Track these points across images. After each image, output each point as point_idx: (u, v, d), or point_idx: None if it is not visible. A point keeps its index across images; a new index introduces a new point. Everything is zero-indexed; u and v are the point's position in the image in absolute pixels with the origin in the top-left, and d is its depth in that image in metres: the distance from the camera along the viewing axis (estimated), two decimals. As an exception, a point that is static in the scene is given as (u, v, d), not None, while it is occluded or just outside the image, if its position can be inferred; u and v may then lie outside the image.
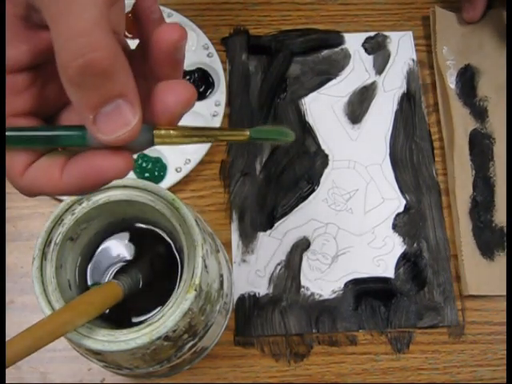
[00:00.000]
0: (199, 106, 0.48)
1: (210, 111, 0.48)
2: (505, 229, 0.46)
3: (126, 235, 0.36)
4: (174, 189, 0.46)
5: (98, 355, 0.31)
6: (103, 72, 0.19)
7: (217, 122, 0.47)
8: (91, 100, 0.19)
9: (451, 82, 0.50)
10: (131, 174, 0.46)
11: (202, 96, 0.49)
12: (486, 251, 0.45)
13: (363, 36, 0.53)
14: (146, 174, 0.46)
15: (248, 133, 0.23)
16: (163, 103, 0.22)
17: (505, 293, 0.44)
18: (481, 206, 0.46)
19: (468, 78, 0.51)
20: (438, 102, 0.51)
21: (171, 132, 0.23)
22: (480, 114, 0.49)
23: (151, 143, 0.22)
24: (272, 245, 0.46)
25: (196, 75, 0.49)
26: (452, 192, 0.47)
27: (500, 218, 0.46)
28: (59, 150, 0.22)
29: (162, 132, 0.22)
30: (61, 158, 0.21)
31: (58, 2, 0.18)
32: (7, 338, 0.24)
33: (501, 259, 0.45)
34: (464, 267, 0.44)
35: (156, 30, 0.22)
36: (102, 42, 0.19)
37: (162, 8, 0.51)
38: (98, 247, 0.36)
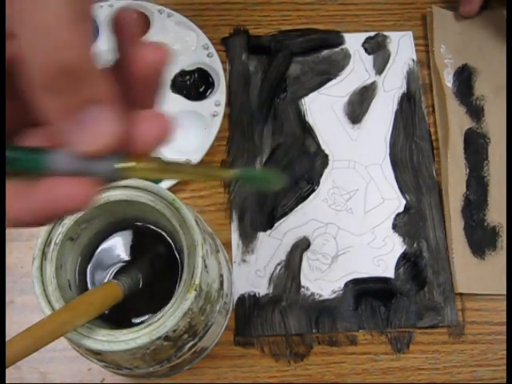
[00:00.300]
0: (199, 105, 0.48)
1: (210, 111, 0.48)
2: (497, 228, 0.46)
3: (126, 235, 0.36)
4: (173, 189, 0.46)
5: (97, 355, 0.31)
6: (79, 74, 0.17)
7: (217, 122, 0.47)
8: (64, 105, 0.17)
9: (448, 81, 0.50)
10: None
11: (202, 96, 0.49)
12: (477, 250, 0.45)
13: (363, 36, 0.53)
14: (146, 174, 0.46)
15: (235, 173, 0.21)
16: (134, 136, 0.20)
17: (496, 292, 0.44)
18: (473, 205, 0.46)
19: (465, 77, 0.51)
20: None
21: (140, 165, 0.20)
22: (476, 113, 0.50)
23: (115, 174, 0.19)
24: (272, 245, 0.46)
25: (196, 75, 0.49)
26: (445, 190, 0.47)
27: (492, 217, 0.46)
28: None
29: (132, 164, 0.19)
30: (23, 185, 0.19)
31: (21, 2, 0.16)
32: (7, 338, 0.24)
33: (492, 258, 0.45)
34: (454, 265, 0.44)
35: (134, 47, 0.20)
36: (76, 41, 0.17)
37: (161, 8, 0.51)
38: (97, 247, 0.36)
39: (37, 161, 0.18)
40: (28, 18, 0.16)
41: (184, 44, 0.50)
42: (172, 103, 0.48)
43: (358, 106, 0.50)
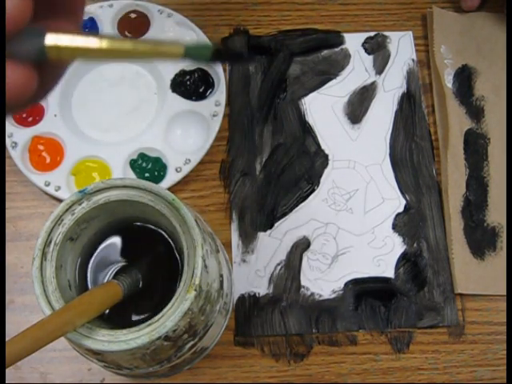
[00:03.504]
0: (199, 105, 0.48)
1: (210, 111, 0.48)
2: (497, 229, 0.46)
3: (126, 235, 0.36)
4: (173, 189, 0.46)
5: (98, 355, 0.31)
6: None
7: (217, 122, 0.47)
8: None
9: (448, 81, 0.50)
10: (131, 174, 0.46)
11: (201, 96, 0.49)
12: (477, 250, 0.45)
13: (363, 36, 0.53)
14: (146, 174, 0.46)
15: (181, 50, 0.18)
16: None
17: (496, 292, 0.44)
18: (473, 206, 0.46)
19: (465, 77, 0.51)
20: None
21: (72, 42, 0.17)
22: (476, 113, 0.50)
23: (41, 54, 0.16)
24: (272, 245, 0.46)
25: (196, 75, 0.49)
26: (445, 190, 0.47)
27: (492, 217, 0.46)
28: None
29: (57, 40, 0.16)
30: None
31: None
32: (7, 338, 0.24)
33: (491, 259, 0.45)
34: (454, 266, 0.44)
35: None
36: None
37: (161, 8, 0.51)
38: (97, 247, 0.36)
39: None
40: None
41: (184, 44, 0.50)
42: (172, 103, 0.48)
43: (358, 106, 0.50)
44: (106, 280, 0.35)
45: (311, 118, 0.50)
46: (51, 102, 0.48)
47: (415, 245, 0.46)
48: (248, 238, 0.46)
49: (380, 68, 0.52)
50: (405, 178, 0.48)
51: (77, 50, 0.17)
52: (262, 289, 0.44)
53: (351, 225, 0.46)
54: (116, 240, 0.36)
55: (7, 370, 0.41)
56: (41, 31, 0.16)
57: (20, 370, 0.42)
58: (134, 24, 0.51)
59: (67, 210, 0.32)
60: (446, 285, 0.45)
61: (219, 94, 0.48)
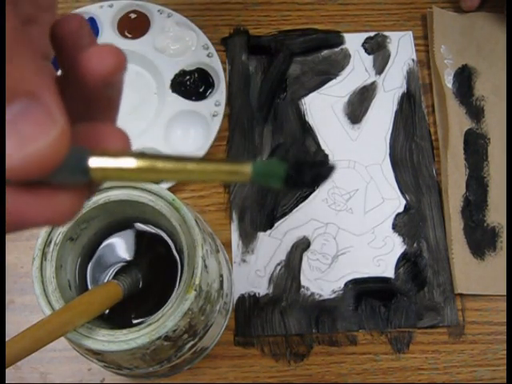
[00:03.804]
0: (199, 105, 0.48)
1: (209, 111, 0.48)
2: (497, 229, 0.46)
3: (126, 235, 0.36)
4: (173, 189, 0.46)
5: (98, 355, 0.31)
6: None
7: (217, 122, 0.47)
8: None
9: (448, 81, 0.50)
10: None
11: (201, 96, 0.49)
12: (477, 251, 0.45)
13: (363, 36, 0.53)
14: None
15: (249, 169, 0.15)
16: (88, 69, 0.15)
17: (496, 292, 0.44)
18: (473, 206, 0.46)
19: (465, 77, 0.51)
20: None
21: (120, 164, 0.14)
22: (476, 113, 0.50)
23: (85, 178, 0.14)
24: (272, 245, 0.46)
25: (196, 75, 0.49)
26: (445, 190, 0.47)
27: (492, 218, 0.46)
28: None
29: (104, 162, 0.14)
30: None
31: None
32: (7, 338, 0.24)
33: (492, 259, 0.45)
34: (454, 266, 0.44)
35: (83, 53, 0.15)
36: None
37: (161, 8, 0.51)
38: (97, 247, 0.36)
39: None
40: None
41: (184, 44, 0.50)
42: (172, 103, 0.48)
43: (358, 106, 0.50)
44: (106, 280, 0.35)
45: (311, 118, 0.50)
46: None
47: (415, 245, 0.46)
48: (248, 238, 0.46)
49: (380, 68, 0.52)
50: (405, 178, 0.48)
51: (126, 171, 0.15)
52: (262, 289, 0.44)
53: (351, 225, 0.46)
54: (116, 240, 0.36)
55: (7, 370, 0.41)
56: (84, 152, 0.14)
57: (20, 370, 0.42)
58: (133, 24, 0.51)
59: (67, 210, 0.32)
60: (446, 285, 0.45)
61: (219, 94, 0.48)
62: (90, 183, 0.15)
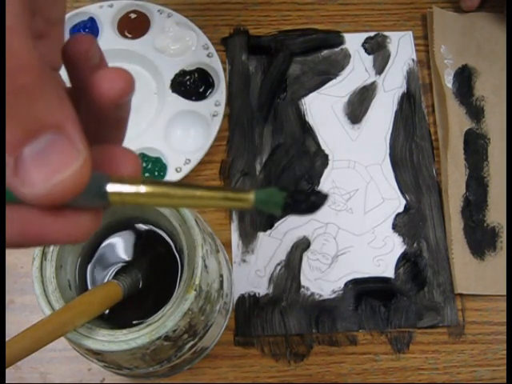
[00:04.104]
0: (199, 105, 0.48)
1: (209, 111, 0.48)
2: (497, 229, 0.46)
3: (126, 235, 0.36)
4: (173, 189, 0.46)
5: (98, 355, 0.31)
6: (25, 90, 0.13)
7: (217, 122, 0.47)
8: (10, 135, 0.13)
9: (448, 81, 0.50)
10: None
11: (201, 96, 0.49)
12: (477, 251, 0.45)
13: (363, 36, 0.53)
14: (146, 174, 0.46)
15: (251, 197, 0.16)
16: (99, 93, 0.16)
17: (496, 292, 0.44)
18: (473, 206, 0.46)
19: (465, 77, 0.51)
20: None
21: (136, 188, 0.16)
22: (476, 113, 0.50)
23: (104, 202, 0.16)
24: (272, 245, 0.46)
25: (196, 75, 0.49)
26: (445, 191, 0.47)
27: (492, 218, 0.46)
28: None
29: (122, 188, 0.16)
30: None
31: None
32: (7, 338, 0.24)
33: (492, 259, 0.45)
34: (454, 266, 0.44)
35: (93, 76, 0.16)
36: (22, 49, 0.13)
37: (161, 8, 0.51)
38: (98, 247, 0.36)
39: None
40: None
41: (184, 44, 0.50)
42: (172, 103, 0.48)
43: (358, 106, 0.50)
44: (105, 280, 0.35)
45: (311, 118, 0.50)
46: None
47: (415, 245, 0.46)
48: (248, 238, 0.46)
49: (380, 68, 0.52)
50: (405, 178, 0.48)
51: (141, 196, 0.16)
52: (262, 289, 0.44)
53: (351, 225, 0.46)
54: (116, 240, 0.36)
55: (7, 370, 0.41)
56: (102, 178, 0.16)
57: (20, 370, 0.42)
58: (133, 24, 0.51)
59: (67, 210, 0.32)
60: (446, 285, 0.45)
61: (219, 94, 0.48)
62: (106, 206, 0.16)
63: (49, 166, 0.14)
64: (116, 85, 0.16)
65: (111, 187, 0.16)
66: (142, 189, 0.16)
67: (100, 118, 0.16)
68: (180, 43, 0.50)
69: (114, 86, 0.16)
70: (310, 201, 0.17)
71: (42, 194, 0.14)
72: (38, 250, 0.31)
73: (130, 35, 0.51)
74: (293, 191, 0.17)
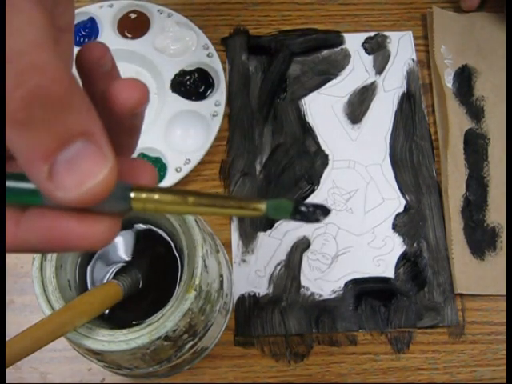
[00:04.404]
0: (199, 105, 0.48)
1: (209, 111, 0.48)
2: (497, 229, 0.46)
3: (126, 235, 0.36)
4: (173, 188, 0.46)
5: (98, 355, 0.31)
6: (57, 101, 0.14)
7: (217, 122, 0.47)
8: (44, 143, 0.14)
9: (448, 81, 0.50)
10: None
11: (201, 96, 0.49)
12: (477, 251, 0.45)
13: (363, 36, 0.53)
14: (146, 174, 0.46)
15: (263, 207, 0.18)
16: (116, 102, 0.17)
17: (496, 292, 0.44)
18: (473, 206, 0.46)
19: (465, 77, 0.51)
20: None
21: (157, 197, 0.17)
22: (476, 113, 0.50)
23: (127, 208, 0.17)
24: (272, 245, 0.46)
25: (196, 75, 0.49)
26: (445, 191, 0.47)
27: (492, 218, 0.46)
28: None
29: (144, 196, 0.17)
30: (15, 209, 0.16)
31: None
32: (7, 338, 0.24)
33: (492, 259, 0.45)
34: (454, 266, 0.44)
35: (110, 87, 0.17)
36: (51, 62, 0.14)
37: (161, 8, 0.51)
38: (98, 247, 0.36)
39: (30, 193, 0.15)
40: None
41: (184, 44, 0.50)
42: (172, 103, 0.48)
43: (358, 106, 0.50)
44: (105, 280, 0.35)
45: (311, 118, 0.50)
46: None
47: (415, 245, 0.46)
48: (248, 238, 0.46)
49: (380, 68, 0.52)
50: (405, 178, 0.48)
51: (161, 204, 0.17)
52: (262, 289, 0.44)
53: (351, 225, 0.46)
54: (116, 240, 0.36)
55: (7, 370, 0.41)
56: (126, 185, 0.17)
57: (20, 370, 0.42)
58: (133, 24, 0.51)
59: (67, 210, 0.32)
60: (446, 285, 0.45)
61: (219, 94, 0.48)
62: (127, 211, 0.17)
63: (81, 172, 0.15)
64: (133, 95, 0.17)
65: (134, 193, 0.17)
66: (163, 197, 0.17)
67: (114, 125, 0.17)
68: (180, 43, 0.50)
69: (131, 97, 0.17)
70: (315, 214, 0.18)
71: (75, 198, 0.15)
72: (37, 250, 0.31)
73: (129, 35, 0.51)
74: (300, 203, 0.18)
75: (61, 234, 0.16)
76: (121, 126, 0.18)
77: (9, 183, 0.16)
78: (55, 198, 0.15)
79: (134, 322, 0.34)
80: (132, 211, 0.17)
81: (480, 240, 0.46)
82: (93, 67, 0.18)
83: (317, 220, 0.18)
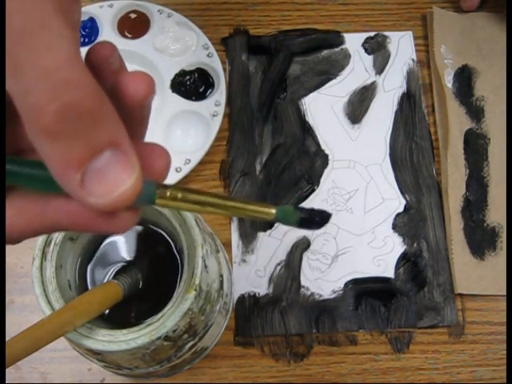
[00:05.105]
0: (199, 105, 0.48)
1: (209, 111, 0.48)
2: (497, 229, 0.46)
3: (126, 235, 0.36)
4: (173, 189, 0.46)
5: (98, 355, 0.31)
6: (89, 114, 0.15)
7: (217, 122, 0.47)
8: (76, 154, 0.15)
9: (448, 81, 0.50)
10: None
11: (201, 96, 0.49)
12: (477, 250, 0.45)
13: (363, 36, 0.53)
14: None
15: (274, 211, 0.19)
16: (126, 93, 0.19)
17: (496, 292, 0.44)
18: (473, 206, 0.46)
19: (465, 77, 0.51)
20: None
21: (179, 195, 0.18)
22: (476, 113, 0.50)
23: (150, 204, 0.18)
24: (272, 245, 0.46)
25: (196, 75, 0.49)
26: (445, 191, 0.47)
27: (492, 218, 0.46)
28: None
29: (167, 194, 0.18)
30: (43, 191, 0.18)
31: (17, 48, 0.14)
32: (7, 338, 0.24)
33: (492, 259, 0.45)
34: (454, 266, 0.44)
35: (118, 81, 0.18)
36: (82, 78, 0.15)
37: (161, 8, 0.51)
38: (97, 247, 0.36)
39: (50, 182, 0.16)
40: (27, 60, 0.14)
41: (184, 44, 0.50)
42: (172, 103, 0.48)
43: (358, 106, 0.50)
44: (105, 280, 0.35)
45: (311, 118, 0.50)
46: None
47: (415, 245, 0.46)
48: (248, 238, 0.46)
49: (380, 68, 0.52)
50: (405, 178, 0.48)
51: (182, 203, 0.19)
52: (262, 289, 0.44)
53: (351, 225, 0.46)
54: (116, 240, 0.36)
55: (7, 370, 0.41)
56: (151, 184, 0.18)
57: (20, 370, 0.42)
58: (133, 24, 0.51)
59: (67, 210, 0.32)
60: (446, 285, 0.45)
61: (219, 94, 0.48)
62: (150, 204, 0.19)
63: (111, 180, 0.16)
64: (141, 87, 0.19)
65: (159, 192, 0.18)
66: (186, 196, 0.18)
67: (124, 117, 0.17)
68: (180, 43, 0.50)
69: (139, 89, 0.19)
70: (318, 221, 0.20)
71: (106, 204, 0.16)
72: (37, 250, 0.31)
73: (129, 35, 0.51)
74: (306, 210, 0.20)
75: (86, 222, 0.17)
76: (131, 117, 0.19)
77: (30, 170, 0.17)
78: (87, 204, 0.16)
79: (133, 322, 0.34)
80: (153, 204, 0.18)
81: (480, 240, 0.46)
82: (102, 65, 0.19)
83: (319, 226, 0.20)
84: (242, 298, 0.44)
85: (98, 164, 0.16)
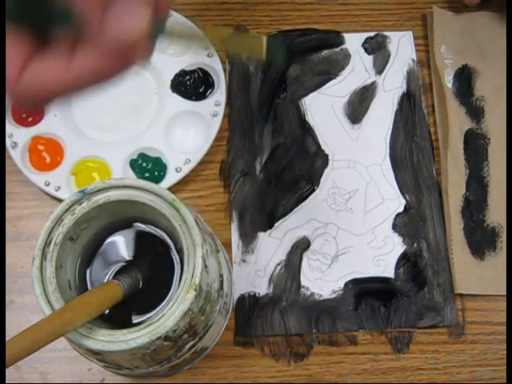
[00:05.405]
0: (199, 105, 0.48)
1: (209, 111, 0.48)
2: (497, 229, 0.46)
3: (126, 235, 0.36)
4: (173, 189, 0.46)
5: (98, 355, 0.31)
6: None
7: (217, 122, 0.47)
8: None
9: (448, 81, 0.50)
10: (131, 174, 0.46)
11: (201, 96, 0.49)
12: (477, 251, 0.45)
13: (363, 36, 0.53)
14: (146, 174, 0.46)
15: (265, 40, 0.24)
16: None
17: (496, 292, 0.44)
18: (473, 206, 0.46)
19: (465, 77, 0.51)
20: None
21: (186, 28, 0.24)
22: (476, 113, 0.50)
23: (162, 31, 0.23)
24: (272, 245, 0.46)
25: (196, 75, 0.49)
26: (445, 191, 0.47)
27: (492, 218, 0.46)
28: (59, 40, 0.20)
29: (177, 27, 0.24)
30: (65, 47, 0.20)
31: None
32: (7, 338, 0.24)
33: (492, 259, 0.45)
34: (454, 266, 0.44)
35: None
36: None
37: (161, 8, 0.51)
38: (98, 247, 0.36)
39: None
40: None
41: (184, 44, 0.50)
42: (172, 103, 0.48)
43: (358, 106, 0.50)
44: (105, 280, 0.35)
45: (311, 118, 0.50)
46: (51, 102, 0.48)
47: (415, 245, 0.46)
48: (248, 238, 0.46)
49: (380, 68, 0.52)
50: (405, 178, 0.48)
51: (185, 35, 0.24)
52: (262, 289, 0.44)
53: (351, 225, 0.46)
54: (116, 240, 0.36)
55: (7, 370, 0.41)
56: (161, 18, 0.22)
57: (20, 370, 0.42)
58: None
59: (67, 209, 0.32)
60: (446, 285, 0.45)
61: (219, 94, 0.48)
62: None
63: (131, 15, 0.19)
64: None
65: (169, 24, 0.23)
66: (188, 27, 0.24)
67: None
68: (180, 43, 0.50)
69: None
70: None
71: (131, 34, 0.19)
72: (37, 250, 0.31)
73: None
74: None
75: (108, 61, 0.20)
76: None
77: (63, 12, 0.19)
78: (109, 39, 0.19)
79: (134, 322, 0.34)
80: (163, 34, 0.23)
81: (480, 240, 0.46)
82: None
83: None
84: (241, 298, 0.44)
85: (117, 5, 0.19)
